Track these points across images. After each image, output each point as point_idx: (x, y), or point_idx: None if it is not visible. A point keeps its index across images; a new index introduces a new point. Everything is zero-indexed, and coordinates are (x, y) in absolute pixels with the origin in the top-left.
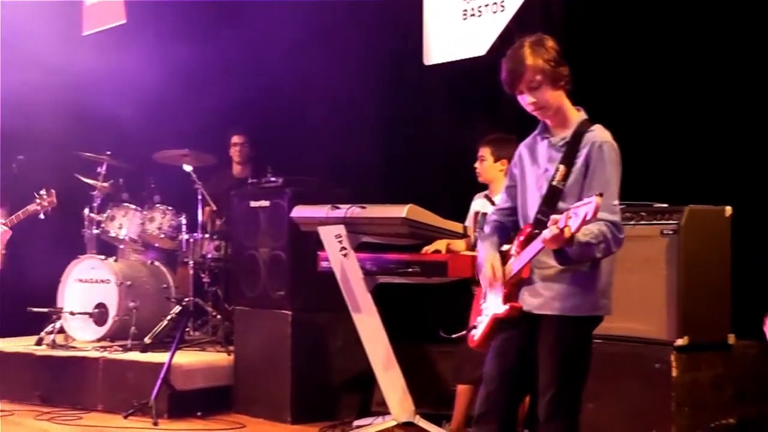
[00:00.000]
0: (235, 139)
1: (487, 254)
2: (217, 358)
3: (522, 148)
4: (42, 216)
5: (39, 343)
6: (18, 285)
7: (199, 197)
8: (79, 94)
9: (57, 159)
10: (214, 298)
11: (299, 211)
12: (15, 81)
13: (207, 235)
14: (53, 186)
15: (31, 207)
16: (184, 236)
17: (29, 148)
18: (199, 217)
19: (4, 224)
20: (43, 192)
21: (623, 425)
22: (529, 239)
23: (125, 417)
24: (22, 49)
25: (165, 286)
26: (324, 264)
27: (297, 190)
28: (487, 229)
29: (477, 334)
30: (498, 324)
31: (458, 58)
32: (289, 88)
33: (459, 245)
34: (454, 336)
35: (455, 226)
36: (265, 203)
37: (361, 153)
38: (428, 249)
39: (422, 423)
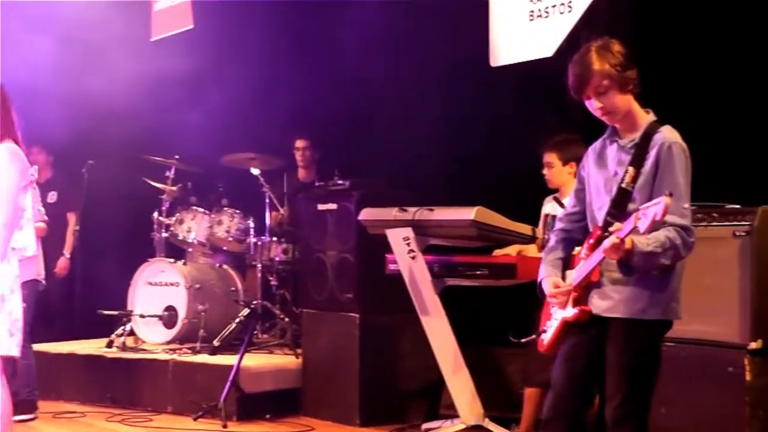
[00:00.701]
0: (299, 143)
1: (548, 274)
2: (285, 360)
3: (590, 152)
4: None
5: (110, 345)
6: (89, 288)
7: (267, 200)
8: (149, 99)
9: (126, 163)
10: (282, 300)
11: (367, 214)
12: (86, 86)
13: (275, 238)
14: (122, 190)
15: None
16: (252, 239)
17: (99, 153)
18: (267, 221)
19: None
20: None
21: (696, 430)
22: (599, 242)
23: (195, 419)
24: (92, 54)
25: (233, 289)
26: (392, 267)
27: (364, 193)
28: (551, 240)
29: (546, 338)
30: (567, 328)
31: (525, 60)
32: (356, 91)
33: (530, 250)
34: (523, 340)
35: (524, 229)
36: (333, 206)
37: (427, 156)
38: (499, 253)
39: (491, 426)
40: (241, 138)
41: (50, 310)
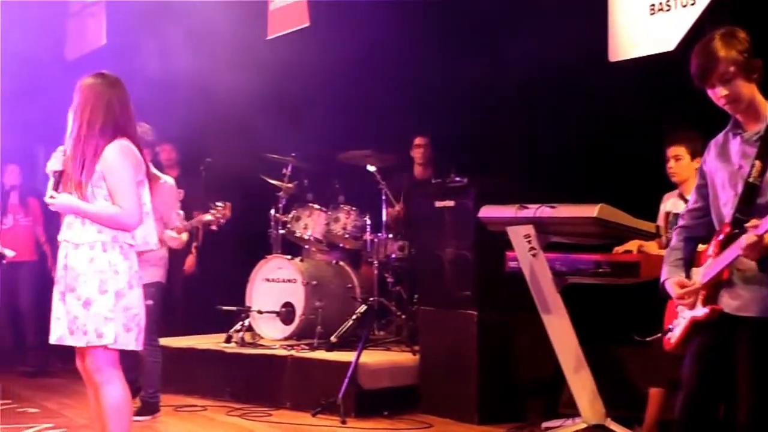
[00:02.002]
0: (418, 140)
1: (671, 274)
2: (402, 357)
3: (712, 146)
4: (215, 228)
5: (228, 340)
6: (209, 284)
7: (383, 197)
8: (266, 97)
9: (244, 161)
10: (398, 298)
11: (487, 211)
12: (205, 85)
13: (391, 235)
14: (239, 187)
15: (205, 217)
16: (369, 236)
17: (218, 151)
18: (383, 218)
19: (179, 230)
20: (219, 204)
21: None
22: (729, 240)
23: (313, 415)
24: (211, 53)
25: (350, 285)
26: (512, 264)
27: (482, 190)
28: (673, 238)
29: (673, 336)
30: (696, 327)
31: (645, 55)
32: (471, 88)
33: (651, 247)
34: (648, 339)
35: (647, 226)
36: (450, 203)
37: (545, 153)
38: (619, 249)
39: (613, 426)
40: (357, 135)
41: (172, 305)
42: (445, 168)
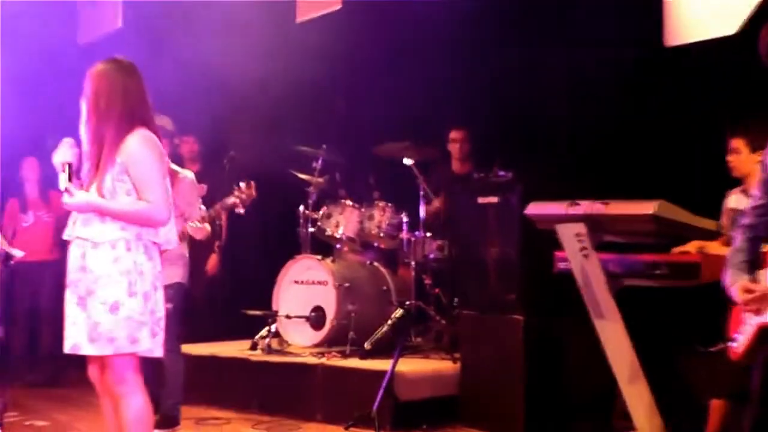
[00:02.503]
0: (453, 134)
1: (736, 278)
2: (442, 366)
3: None
4: (241, 210)
5: (254, 347)
6: (232, 286)
7: (421, 193)
8: (296, 87)
9: (271, 154)
10: (437, 301)
11: (534, 208)
12: (228, 73)
13: (429, 234)
14: (266, 182)
15: (229, 200)
16: (405, 235)
17: (242, 143)
18: (421, 215)
19: (201, 219)
20: (242, 184)
21: None
22: None
23: (346, 428)
24: (236, 39)
25: (385, 288)
26: (561, 265)
27: (529, 185)
28: (736, 238)
29: (739, 345)
30: (764, 334)
31: (703, 39)
32: (517, 77)
33: (713, 247)
34: (712, 349)
35: (708, 224)
36: (494, 199)
37: (597, 145)
38: (678, 250)
39: None
40: (393, 126)
41: (192, 308)
42: (487, 162)
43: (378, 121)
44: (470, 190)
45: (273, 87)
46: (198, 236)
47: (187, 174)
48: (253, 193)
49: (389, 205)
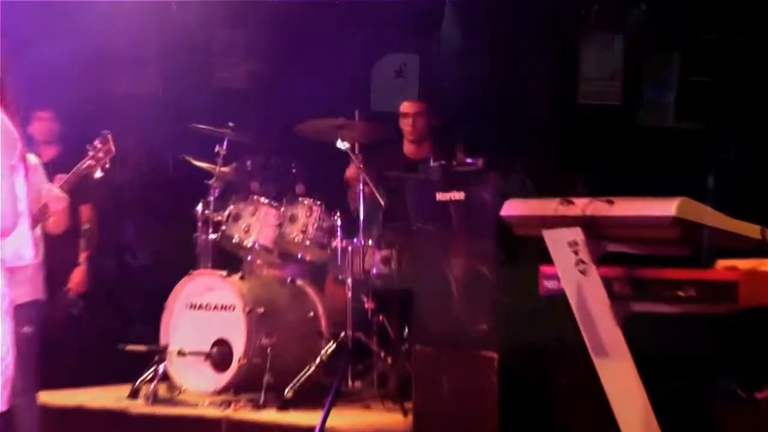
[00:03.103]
0: (406, 107)
1: None
2: (388, 419)
3: None
4: (100, 173)
5: (134, 395)
6: (104, 312)
7: (361, 186)
8: (190, 47)
9: (157, 135)
10: (382, 332)
11: (513, 208)
12: (100, 30)
13: (371, 242)
14: (151, 172)
15: (83, 164)
16: (339, 243)
17: (120, 121)
18: (360, 215)
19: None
20: (96, 142)
21: None
22: None
23: None
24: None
25: (312, 314)
26: (549, 284)
27: (507, 177)
28: None
29: None
30: None
31: None
32: (484, 33)
33: None
34: (759, 395)
35: (750, 230)
36: (459, 195)
37: (595, 126)
38: (724, 264)
39: None
40: (322, 100)
41: (52, 341)
42: (449, 145)
43: (304, 92)
44: (426, 183)
45: (159, 48)
46: (56, 207)
47: (31, 158)
48: (112, 148)
49: (318, 203)
